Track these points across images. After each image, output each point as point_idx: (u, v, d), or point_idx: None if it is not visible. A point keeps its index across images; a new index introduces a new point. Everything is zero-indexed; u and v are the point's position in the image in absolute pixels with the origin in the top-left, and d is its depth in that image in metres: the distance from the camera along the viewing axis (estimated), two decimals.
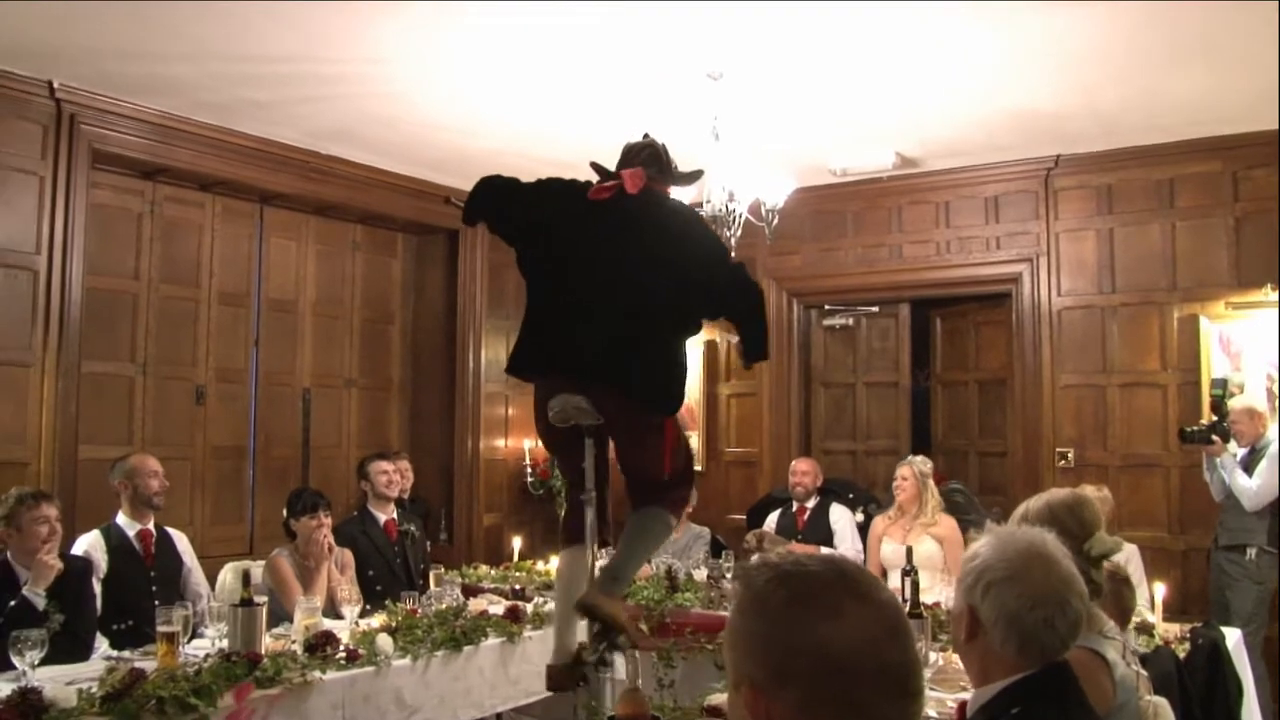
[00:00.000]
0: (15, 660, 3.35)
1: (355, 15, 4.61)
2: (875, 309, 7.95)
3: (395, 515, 5.77)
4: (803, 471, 6.55)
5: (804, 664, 1.30)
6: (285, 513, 5.15)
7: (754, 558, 5.66)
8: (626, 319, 3.37)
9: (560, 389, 3.33)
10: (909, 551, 5.12)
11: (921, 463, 5.89)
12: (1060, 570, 1.99)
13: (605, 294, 3.37)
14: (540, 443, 3.79)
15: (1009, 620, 1.94)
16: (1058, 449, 6.75)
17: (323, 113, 5.91)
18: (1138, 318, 6.58)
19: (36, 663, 3.38)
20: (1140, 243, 6.58)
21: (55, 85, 5.37)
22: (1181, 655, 4.00)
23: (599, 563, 3.62)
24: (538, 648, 4.69)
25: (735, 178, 5.46)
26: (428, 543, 6.23)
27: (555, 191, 3.58)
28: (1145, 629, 4.18)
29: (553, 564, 5.88)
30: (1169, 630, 4.30)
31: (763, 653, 1.33)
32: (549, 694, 4.62)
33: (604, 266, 3.39)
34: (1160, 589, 4.58)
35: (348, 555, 5.27)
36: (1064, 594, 1.97)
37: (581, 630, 3.58)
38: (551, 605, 4.82)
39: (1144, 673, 2.46)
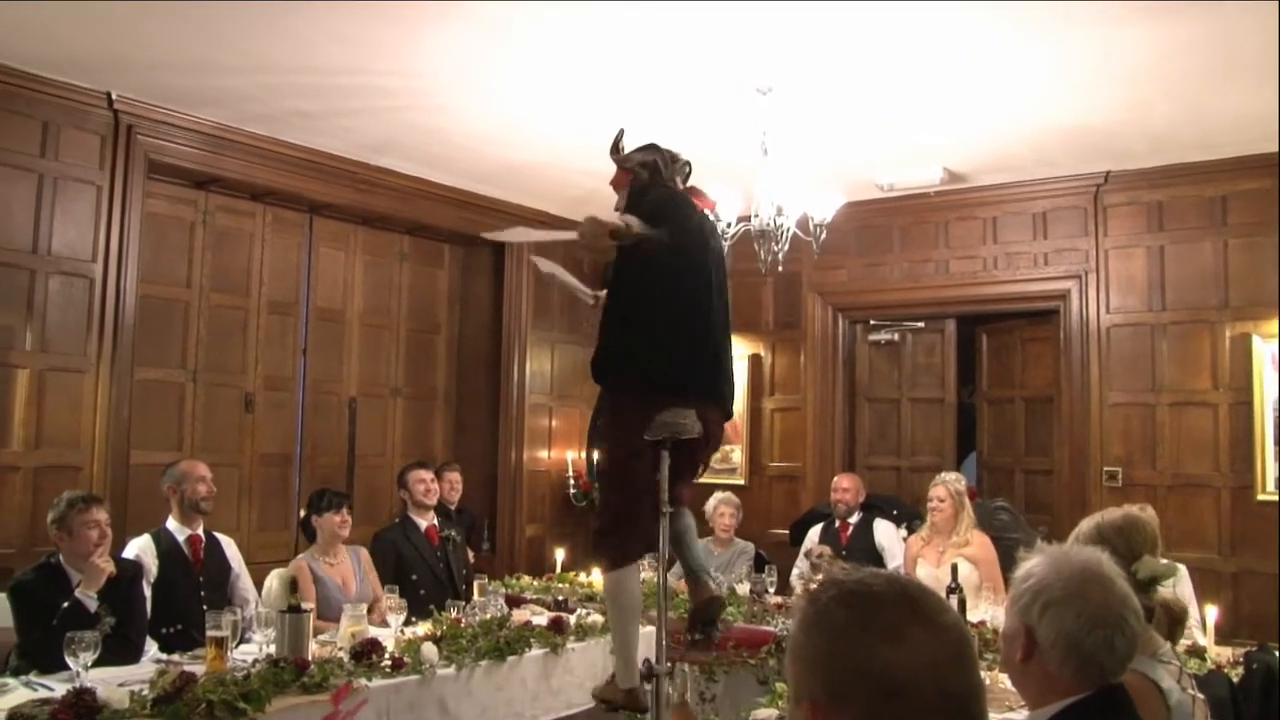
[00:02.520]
0: (69, 661, 3.41)
1: (404, 30, 4.67)
2: (921, 324, 7.91)
3: (436, 522, 5.81)
4: (844, 489, 6.51)
5: (864, 685, 1.29)
6: (305, 512, 5.28)
7: (800, 571, 5.65)
8: (730, 337, 3.64)
9: (677, 404, 3.35)
10: (954, 569, 5.09)
11: (955, 480, 5.82)
12: (1117, 590, 1.97)
13: (725, 314, 3.57)
14: (607, 454, 3.57)
15: (1068, 641, 1.92)
16: (1105, 468, 6.67)
17: (371, 125, 5.98)
18: (1188, 336, 6.50)
19: (90, 664, 3.44)
20: (1191, 260, 6.50)
21: (114, 97, 5.46)
22: (1235, 679, 3.94)
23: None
24: (580, 659, 4.71)
25: (783, 192, 5.46)
26: (470, 552, 6.27)
27: (688, 206, 3.59)
28: (1197, 652, 4.13)
29: (595, 576, 5.91)
30: (1221, 654, 4.24)
31: (823, 671, 1.33)
32: (590, 706, 4.66)
33: (719, 286, 3.55)
34: (1212, 611, 4.52)
35: (364, 553, 5.39)
36: (1121, 613, 1.95)
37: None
38: (595, 617, 4.85)
39: (1201, 697, 2.42)
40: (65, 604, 3.93)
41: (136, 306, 5.64)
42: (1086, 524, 2.69)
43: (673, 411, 3.31)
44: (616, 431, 3.44)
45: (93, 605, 3.97)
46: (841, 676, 1.31)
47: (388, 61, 5.03)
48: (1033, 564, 2.05)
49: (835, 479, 6.70)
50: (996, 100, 5.44)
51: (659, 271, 3.39)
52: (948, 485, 5.76)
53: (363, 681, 3.76)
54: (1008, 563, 5.60)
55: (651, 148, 3.64)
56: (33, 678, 3.63)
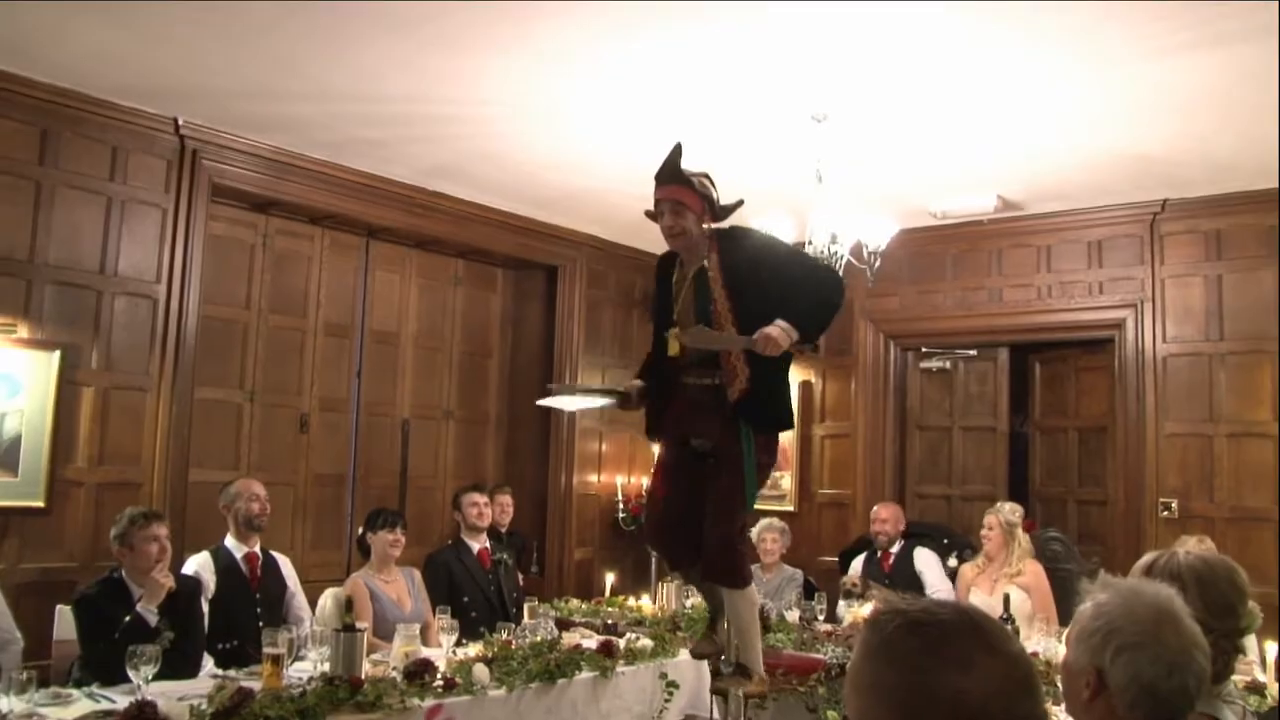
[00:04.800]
0: (131, 674, 3.47)
1: (466, 58, 4.74)
2: (973, 353, 7.86)
3: (489, 544, 5.85)
4: (883, 519, 6.49)
5: (937, 714, 1.30)
6: (362, 530, 5.35)
7: (846, 600, 5.62)
8: None
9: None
10: (1006, 599, 5.05)
11: (1009, 512, 5.79)
12: (1189, 630, 1.91)
13: None
14: (741, 490, 3.66)
15: (1143, 687, 1.85)
16: (1161, 499, 6.58)
17: (432, 151, 6.06)
18: (1247, 366, 6.41)
19: (150, 677, 3.50)
20: (1251, 289, 6.42)
21: (180, 122, 5.59)
22: None
23: None
24: (630, 683, 4.71)
25: (838, 220, 5.47)
26: (519, 574, 6.30)
27: None
28: (1256, 689, 4.07)
29: (645, 601, 5.97)
30: None
31: (892, 700, 1.33)
32: None
33: None
34: (1272, 648, 4.44)
35: (417, 574, 5.45)
36: (1194, 654, 1.89)
37: None
38: (645, 641, 4.89)
39: None
40: (127, 618, 4.01)
41: (198, 327, 5.74)
42: (1215, 559, 2.47)
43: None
44: (761, 469, 3.67)
45: (153, 620, 4.04)
46: (914, 705, 1.32)
47: (450, 89, 5.11)
48: (1103, 601, 1.97)
49: (874, 510, 6.68)
50: (1051, 128, 5.42)
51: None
52: (999, 515, 5.74)
53: (415, 701, 3.79)
54: (1061, 594, 5.55)
55: (709, 178, 3.67)
56: (95, 689, 3.70)
